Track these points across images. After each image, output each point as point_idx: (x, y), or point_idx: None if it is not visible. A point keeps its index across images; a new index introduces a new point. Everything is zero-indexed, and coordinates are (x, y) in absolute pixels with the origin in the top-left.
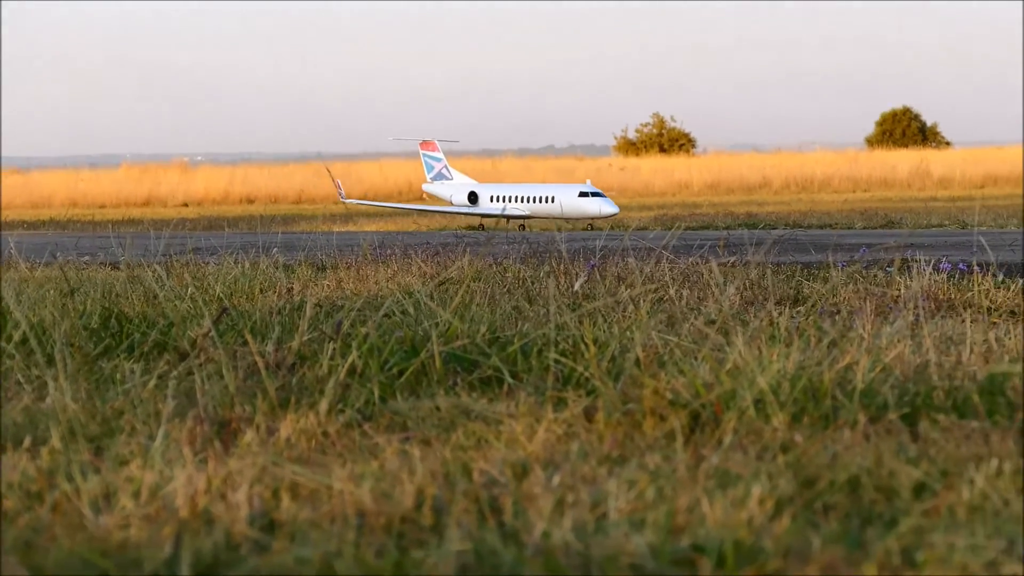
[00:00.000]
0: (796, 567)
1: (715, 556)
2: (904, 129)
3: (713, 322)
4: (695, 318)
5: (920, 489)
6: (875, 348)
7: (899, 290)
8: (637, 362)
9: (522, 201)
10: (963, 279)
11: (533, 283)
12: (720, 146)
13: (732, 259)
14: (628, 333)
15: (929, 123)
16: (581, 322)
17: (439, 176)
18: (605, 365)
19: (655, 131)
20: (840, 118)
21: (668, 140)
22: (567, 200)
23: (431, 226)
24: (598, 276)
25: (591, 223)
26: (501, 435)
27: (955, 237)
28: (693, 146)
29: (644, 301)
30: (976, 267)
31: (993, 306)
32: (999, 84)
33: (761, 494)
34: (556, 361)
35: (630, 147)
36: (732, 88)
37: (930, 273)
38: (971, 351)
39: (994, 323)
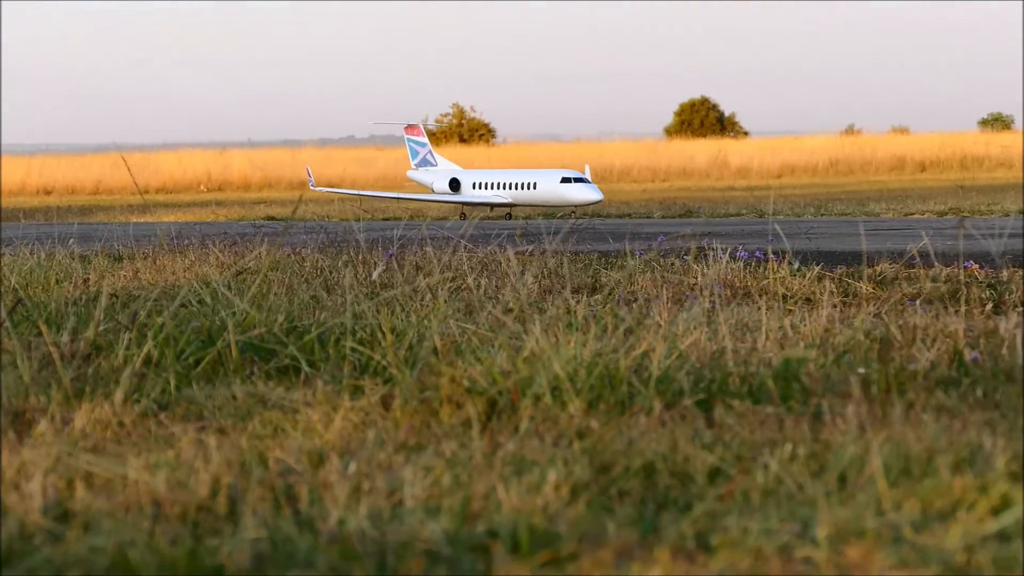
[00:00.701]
0: (590, 551)
1: (509, 541)
2: (702, 119)
3: (511, 310)
4: (493, 307)
5: (715, 474)
6: (671, 335)
7: (696, 278)
8: (435, 350)
9: (505, 188)
10: (759, 267)
11: (331, 272)
12: (521, 137)
13: (530, 248)
14: (426, 322)
15: (727, 113)
16: (379, 311)
17: (424, 162)
18: (403, 353)
19: (455, 121)
20: (640, 109)
21: (468, 130)
22: (548, 186)
23: (232, 216)
24: (396, 265)
25: (573, 210)
26: (298, 424)
27: (752, 226)
28: (493, 136)
29: (442, 290)
30: (772, 255)
31: (788, 293)
32: (795, 75)
33: (557, 480)
34: (353, 350)
35: (430, 137)
36: (534, 80)
37: (727, 261)
38: (766, 337)
39: (790, 310)
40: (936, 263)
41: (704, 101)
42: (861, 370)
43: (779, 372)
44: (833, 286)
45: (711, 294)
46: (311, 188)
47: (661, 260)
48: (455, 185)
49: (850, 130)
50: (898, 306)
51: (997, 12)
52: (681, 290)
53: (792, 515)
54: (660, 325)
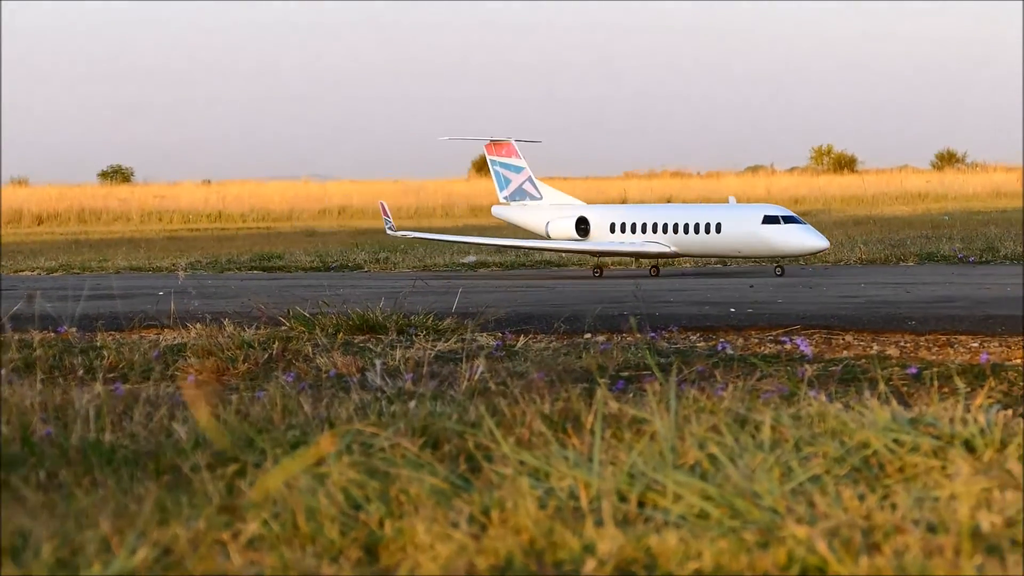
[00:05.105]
0: None
1: None
2: None
3: None
4: None
5: None
6: None
7: None
8: None
9: (665, 232)
10: None
11: None
12: None
13: None
14: None
15: None
16: None
17: (519, 194)
18: None
19: None
20: None
21: None
22: (743, 228)
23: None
24: None
25: (780, 263)
26: None
27: None
28: None
29: None
30: None
31: None
32: None
33: None
34: None
35: None
36: None
37: None
38: None
39: None
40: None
41: None
42: None
43: None
44: None
45: None
46: (388, 232)
47: None
48: (583, 227)
49: None
50: None
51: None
52: None
53: None
54: None
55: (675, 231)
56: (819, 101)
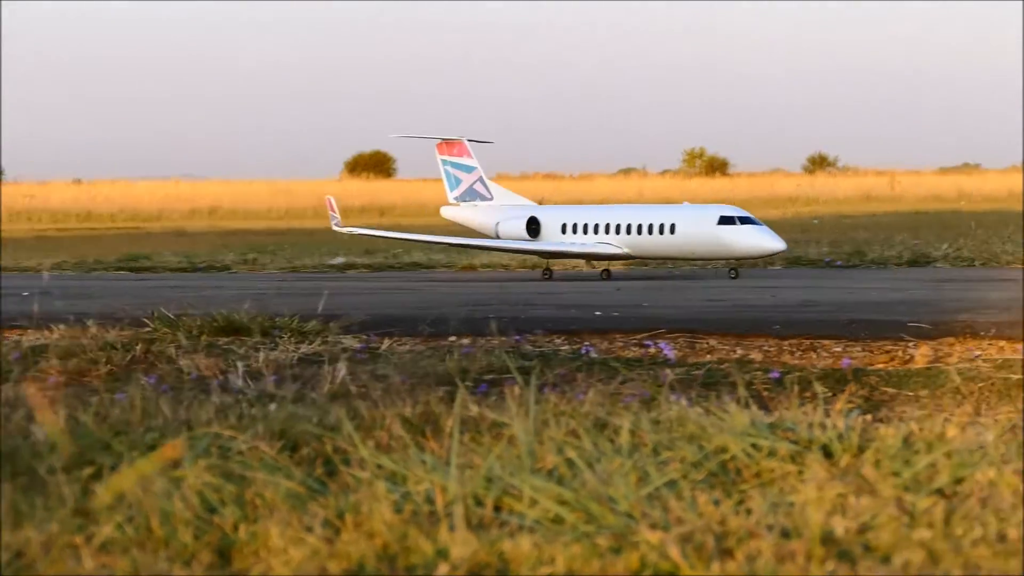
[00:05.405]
0: None
1: None
2: None
3: None
4: None
5: None
6: None
7: None
8: None
9: (617, 232)
10: None
11: None
12: None
13: None
14: None
15: None
16: None
17: (471, 194)
18: None
19: None
20: None
21: None
22: (699, 229)
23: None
24: None
25: (736, 266)
26: None
27: None
28: None
29: None
30: None
31: None
32: None
33: None
34: None
35: None
36: None
37: None
38: None
39: None
40: None
41: None
42: None
43: None
44: None
45: None
46: (334, 227)
47: None
48: (534, 228)
49: None
50: None
51: None
52: None
53: None
54: None
55: (628, 232)
56: (692, 103)
